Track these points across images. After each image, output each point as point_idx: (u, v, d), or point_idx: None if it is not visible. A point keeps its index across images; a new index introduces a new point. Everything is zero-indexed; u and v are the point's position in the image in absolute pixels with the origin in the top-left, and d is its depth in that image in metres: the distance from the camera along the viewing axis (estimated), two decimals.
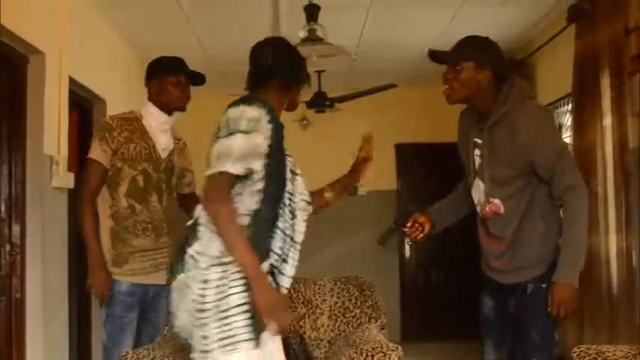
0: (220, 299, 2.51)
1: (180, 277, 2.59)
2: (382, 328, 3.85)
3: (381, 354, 3.24)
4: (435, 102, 8.06)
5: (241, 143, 2.52)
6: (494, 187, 3.09)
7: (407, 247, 8.60)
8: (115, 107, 5.06)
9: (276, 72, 2.77)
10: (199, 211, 2.63)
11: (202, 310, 2.51)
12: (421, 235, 3.37)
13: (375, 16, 5.73)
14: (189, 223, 2.67)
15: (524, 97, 3.12)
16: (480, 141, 3.15)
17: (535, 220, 3.07)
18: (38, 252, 4.10)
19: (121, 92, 5.95)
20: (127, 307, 3.64)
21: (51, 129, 4.28)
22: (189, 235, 2.63)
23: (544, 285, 3.01)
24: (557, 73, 5.63)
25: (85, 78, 4.99)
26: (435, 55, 3.16)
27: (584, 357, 2.97)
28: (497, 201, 3.08)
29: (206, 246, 2.57)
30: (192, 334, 2.57)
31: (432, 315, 8.45)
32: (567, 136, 5.35)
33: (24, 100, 4.14)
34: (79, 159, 4.80)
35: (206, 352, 2.52)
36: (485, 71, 3.06)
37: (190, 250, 2.59)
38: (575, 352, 3.01)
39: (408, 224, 3.36)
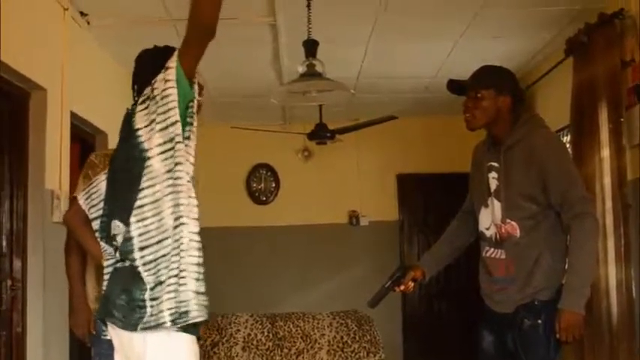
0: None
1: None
2: None
3: None
4: (435, 132, 8.32)
5: None
6: (511, 208, 3.10)
7: None
8: (116, 140, 5.08)
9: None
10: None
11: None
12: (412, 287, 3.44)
13: (375, 50, 5.78)
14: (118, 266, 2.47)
15: (541, 125, 3.19)
16: (496, 164, 3.17)
17: (542, 247, 3.05)
18: (39, 287, 4.11)
19: None
20: (113, 345, 3.59)
21: (52, 164, 4.31)
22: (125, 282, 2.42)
23: (540, 321, 3.00)
24: (556, 104, 5.66)
25: (87, 112, 5.02)
26: (454, 85, 3.22)
27: None
28: (514, 222, 3.08)
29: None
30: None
31: (435, 346, 8.37)
32: None
33: (25, 135, 4.18)
34: None
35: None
36: (505, 97, 3.12)
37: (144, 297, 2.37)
38: None
39: (402, 287, 3.39)
